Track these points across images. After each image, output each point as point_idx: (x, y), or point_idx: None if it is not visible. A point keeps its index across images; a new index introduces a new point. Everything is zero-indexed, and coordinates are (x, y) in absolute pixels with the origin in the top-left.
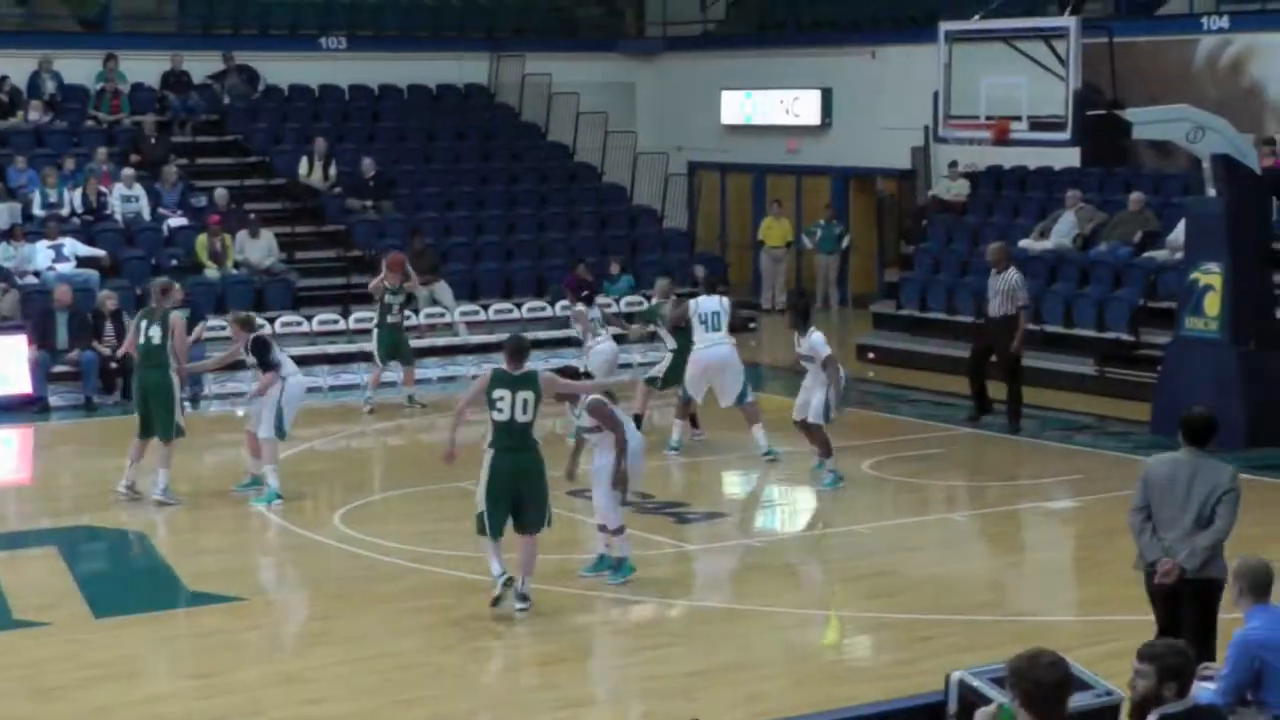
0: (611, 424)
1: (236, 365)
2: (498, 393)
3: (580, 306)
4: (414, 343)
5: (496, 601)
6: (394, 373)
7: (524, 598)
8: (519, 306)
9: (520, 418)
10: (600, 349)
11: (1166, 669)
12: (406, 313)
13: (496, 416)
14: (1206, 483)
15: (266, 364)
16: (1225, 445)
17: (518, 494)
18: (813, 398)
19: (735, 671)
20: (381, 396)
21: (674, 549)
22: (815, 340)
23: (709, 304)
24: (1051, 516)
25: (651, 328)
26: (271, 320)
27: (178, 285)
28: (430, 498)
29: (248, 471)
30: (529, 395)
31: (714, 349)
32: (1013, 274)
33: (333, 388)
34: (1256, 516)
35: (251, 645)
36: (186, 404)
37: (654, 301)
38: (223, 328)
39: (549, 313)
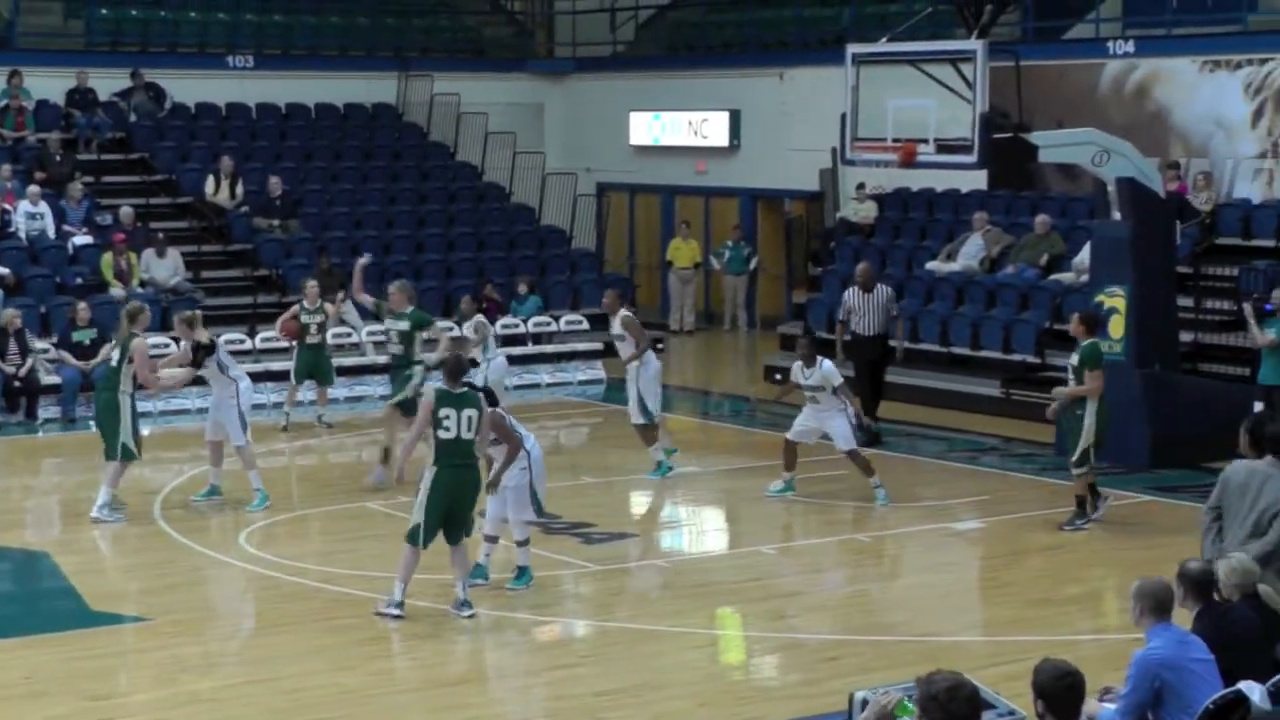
0: (508, 436)
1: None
2: (444, 411)
3: (481, 317)
4: None
5: (396, 617)
6: (308, 391)
7: (466, 604)
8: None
9: (465, 434)
10: (497, 363)
11: (1040, 689)
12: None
13: (443, 435)
14: (1270, 494)
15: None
16: (1129, 466)
17: (453, 508)
18: (830, 427)
19: (642, 692)
20: (294, 415)
21: (581, 569)
22: (829, 369)
23: None
24: (958, 537)
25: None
26: (177, 340)
27: (146, 309)
28: (336, 518)
29: (209, 482)
30: (473, 413)
31: (657, 359)
32: (882, 290)
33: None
34: (1158, 538)
35: (157, 666)
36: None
37: (410, 311)
38: None
39: (456, 333)
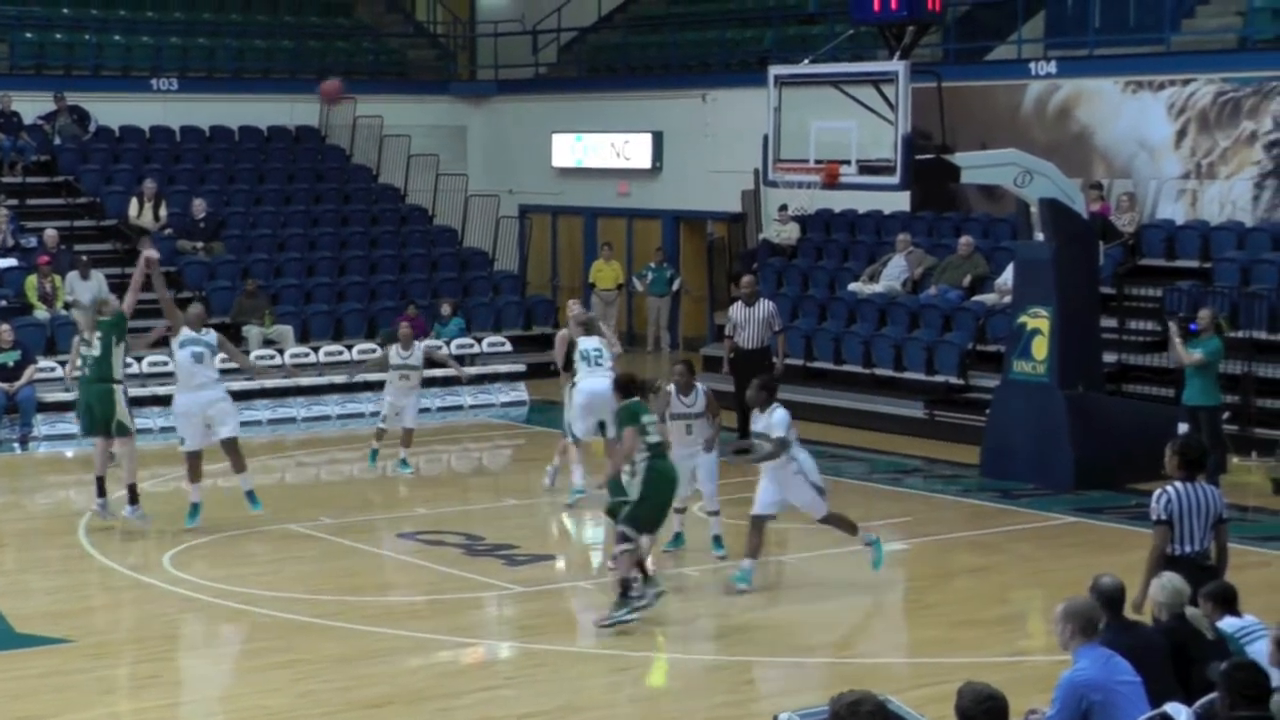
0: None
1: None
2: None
3: None
4: (246, 385)
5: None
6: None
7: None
8: (350, 349)
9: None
10: None
11: (962, 713)
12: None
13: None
14: None
15: None
16: (1053, 487)
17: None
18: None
19: (566, 714)
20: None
21: (504, 591)
22: (778, 418)
23: (588, 343)
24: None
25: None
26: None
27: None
28: (260, 539)
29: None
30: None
31: (596, 380)
32: (764, 304)
33: (163, 429)
34: (1082, 560)
35: (80, 688)
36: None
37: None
38: (53, 369)
39: (379, 355)
